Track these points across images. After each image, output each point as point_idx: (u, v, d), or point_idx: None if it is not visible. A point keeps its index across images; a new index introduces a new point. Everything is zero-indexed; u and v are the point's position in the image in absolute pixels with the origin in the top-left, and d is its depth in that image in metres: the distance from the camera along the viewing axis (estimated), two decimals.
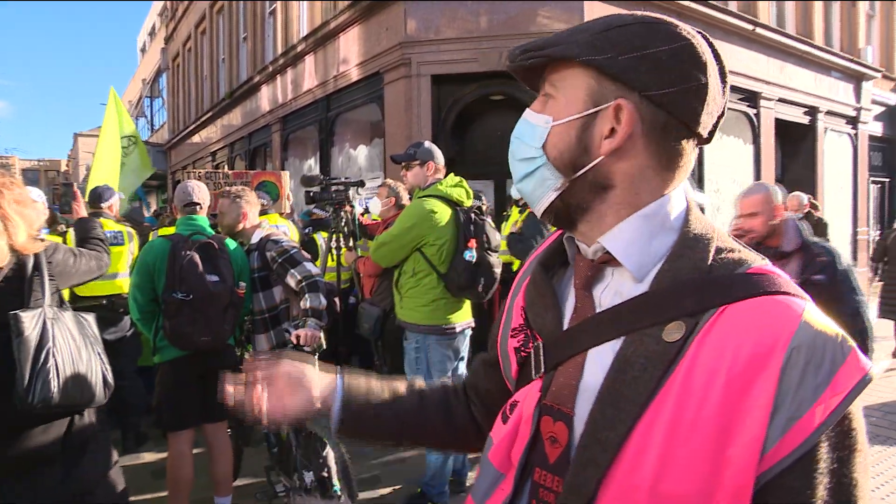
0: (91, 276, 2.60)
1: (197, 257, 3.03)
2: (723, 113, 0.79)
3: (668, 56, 0.72)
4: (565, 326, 0.81)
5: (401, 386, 1.06)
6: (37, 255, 2.23)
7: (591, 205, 0.77)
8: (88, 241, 2.74)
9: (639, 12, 0.76)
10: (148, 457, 4.41)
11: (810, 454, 0.60)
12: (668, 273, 0.72)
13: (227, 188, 3.62)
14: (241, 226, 3.41)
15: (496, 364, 0.96)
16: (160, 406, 3.18)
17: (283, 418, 0.97)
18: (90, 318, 2.37)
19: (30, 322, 2.09)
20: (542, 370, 0.80)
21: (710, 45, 0.76)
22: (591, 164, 0.75)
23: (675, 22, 0.75)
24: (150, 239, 4.60)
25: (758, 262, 0.72)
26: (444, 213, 3.34)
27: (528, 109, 0.83)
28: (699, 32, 0.76)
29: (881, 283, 7.08)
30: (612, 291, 0.77)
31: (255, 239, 3.36)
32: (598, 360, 0.73)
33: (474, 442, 1.02)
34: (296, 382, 0.98)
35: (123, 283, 4.39)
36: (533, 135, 0.79)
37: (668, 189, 0.77)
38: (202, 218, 3.28)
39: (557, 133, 0.77)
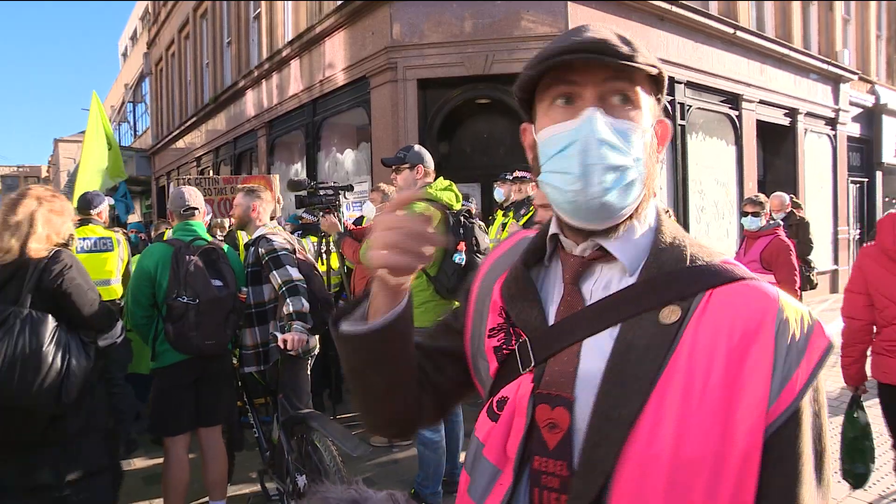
0: (92, 308, 2.52)
1: (201, 262, 3.04)
2: None
3: (664, 78, 0.84)
4: (551, 321, 0.84)
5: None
6: (41, 260, 2.32)
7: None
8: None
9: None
10: (139, 463, 4.38)
11: (801, 407, 0.71)
12: (654, 265, 0.80)
13: (244, 184, 3.70)
14: (250, 218, 3.44)
15: (451, 359, 0.99)
16: (157, 411, 3.15)
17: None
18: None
19: None
20: (532, 363, 0.82)
21: None
22: (653, 172, 0.84)
23: None
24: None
25: (720, 255, 0.83)
26: (433, 217, 3.37)
27: (605, 116, 0.77)
28: None
29: None
30: (602, 285, 0.83)
31: (255, 234, 3.39)
32: (596, 347, 0.78)
33: (409, 426, 1.01)
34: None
35: (115, 289, 4.38)
36: (631, 142, 0.78)
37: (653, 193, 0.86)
38: (199, 223, 3.30)
39: (645, 143, 0.80)
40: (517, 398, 0.82)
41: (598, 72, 0.77)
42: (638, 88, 0.79)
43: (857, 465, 3.13)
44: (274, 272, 3.12)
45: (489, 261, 1.03)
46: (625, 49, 0.76)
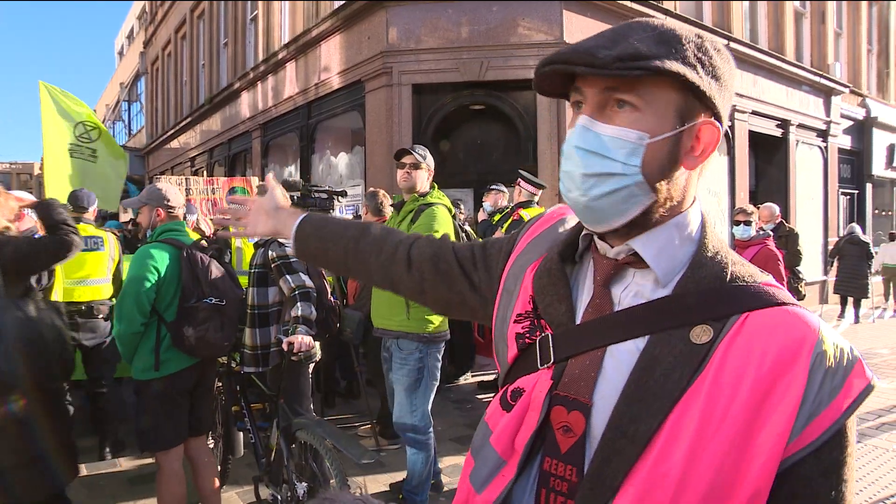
0: (58, 260, 2.82)
1: (215, 262, 3.00)
2: None
3: (728, 76, 0.80)
4: (578, 320, 0.82)
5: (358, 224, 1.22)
6: None
7: (652, 215, 0.78)
8: (57, 227, 2.84)
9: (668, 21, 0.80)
10: (125, 464, 4.35)
11: (823, 447, 0.67)
12: (691, 280, 0.76)
13: (261, 183, 3.73)
14: None
15: (459, 278, 1.06)
16: (154, 424, 2.91)
17: (255, 228, 1.29)
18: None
19: None
20: (552, 360, 0.80)
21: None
22: (674, 179, 0.77)
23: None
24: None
25: (763, 276, 0.78)
26: (451, 219, 3.47)
27: (590, 119, 0.77)
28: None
29: (837, 271, 10.15)
30: (633, 292, 0.80)
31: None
32: (619, 356, 0.76)
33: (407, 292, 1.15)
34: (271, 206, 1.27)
35: (103, 289, 4.36)
36: (620, 150, 0.75)
37: (693, 199, 0.82)
38: (183, 223, 3.22)
39: (653, 149, 0.75)
40: (533, 393, 0.81)
41: (598, 79, 0.76)
42: (641, 94, 0.74)
43: None
44: (287, 276, 3.07)
45: (526, 238, 0.98)
46: (602, 56, 0.72)
